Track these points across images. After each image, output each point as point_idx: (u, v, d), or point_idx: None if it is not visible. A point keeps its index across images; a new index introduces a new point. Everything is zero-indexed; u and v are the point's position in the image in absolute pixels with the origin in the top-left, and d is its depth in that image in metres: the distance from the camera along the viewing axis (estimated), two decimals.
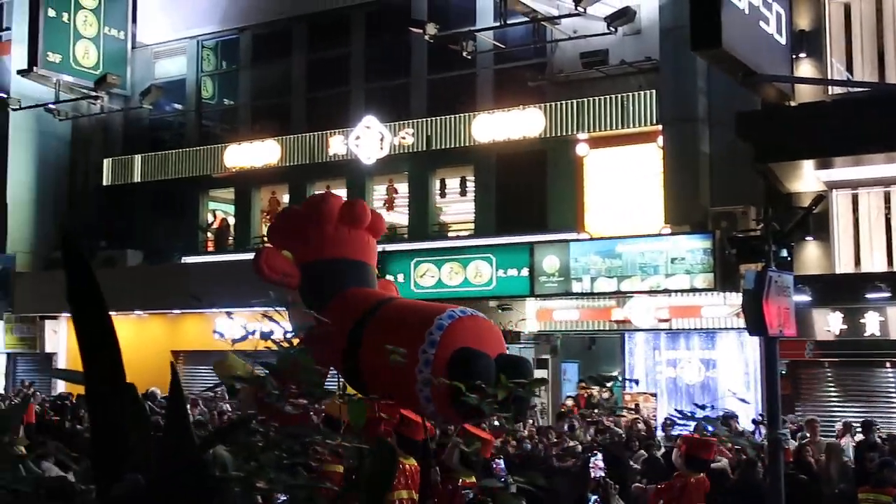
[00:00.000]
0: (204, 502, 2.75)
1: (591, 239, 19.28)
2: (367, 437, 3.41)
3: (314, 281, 10.54)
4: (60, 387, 23.81)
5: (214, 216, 26.45)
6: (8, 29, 26.90)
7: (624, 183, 19.71)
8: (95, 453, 2.81)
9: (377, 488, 3.02)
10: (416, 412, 8.95)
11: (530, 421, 16.44)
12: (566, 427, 16.28)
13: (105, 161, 26.85)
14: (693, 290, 17.72)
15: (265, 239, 15.98)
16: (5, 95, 25.83)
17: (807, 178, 17.12)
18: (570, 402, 18.82)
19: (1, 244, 25.79)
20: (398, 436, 9.16)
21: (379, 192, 23.43)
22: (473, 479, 9.03)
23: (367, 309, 9.85)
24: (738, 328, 17.46)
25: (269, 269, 10.47)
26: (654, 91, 19.34)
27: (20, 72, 25.66)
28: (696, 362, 18.74)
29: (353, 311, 10.03)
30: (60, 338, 25.92)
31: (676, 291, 17.98)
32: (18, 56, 25.99)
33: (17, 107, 25.68)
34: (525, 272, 18.95)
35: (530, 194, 21.11)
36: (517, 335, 19.89)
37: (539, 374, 19.46)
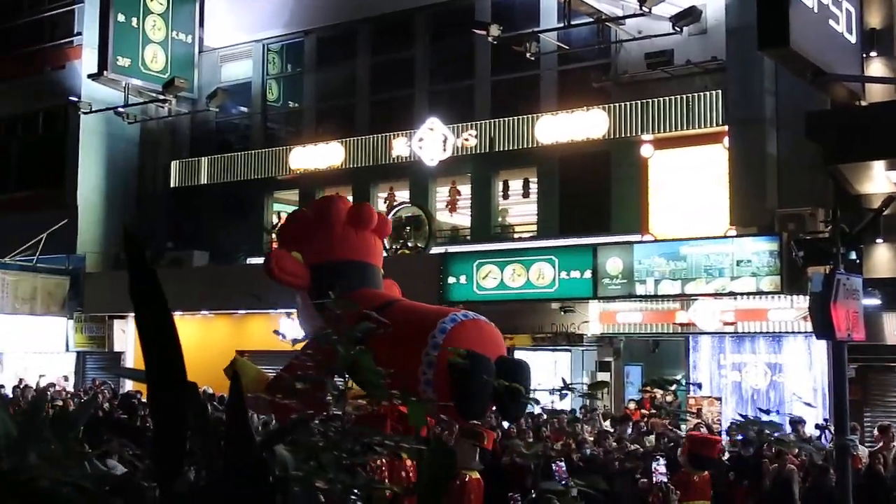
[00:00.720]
0: (264, 501, 2.77)
1: (656, 241, 19.10)
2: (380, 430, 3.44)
3: (323, 282, 10.76)
4: (128, 385, 24.23)
5: (279, 217, 26.69)
6: (79, 34, 27.41)
7: (689, 184, 19.50)
8: (157, 451, 2.84)
9: (436, 490, 3.02)
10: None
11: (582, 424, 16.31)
12: (629, 431, 16.15)
13: (173, 163, 27.26)
14: (759, 292, 17.46)
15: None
16: (76, 99, 26.33)
17: (877, 179, 16.78)
18: (632, 406, 18.66)
19: (72, 245, 26.29)
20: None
21: (442, 193, 23.47)
22: (478, 475, 9.18)
23: (373, 309, 10.04)
24: (806, 332, 17.17)
25: (280, 270, 10.88)
26: (720, 91, 19.11)
27: (91, 76, 26.15)
28: (762, 366, 18.46)
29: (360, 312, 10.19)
30: (129, 337, 26.38)
31: (742, 294, 17.73)
32: (89, 61, 26.48)
33: (88, 110, 26.15)
34: (588, 274, 18.82)
35: (594, 196, 20.99)
36: (579, 337, 19.79)
37: (601, 377, 19.38)
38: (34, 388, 23.35)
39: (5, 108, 28.76)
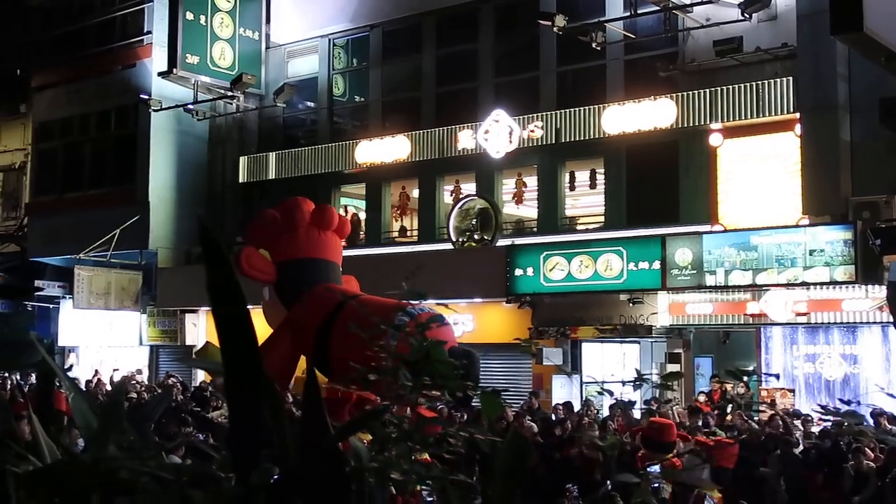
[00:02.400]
0: (339, 492, 2.78)
1: (725, 231, 18.84)
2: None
3: (288, 277, 11.95)
4: (200, 377, 24.56)
5: (346, 211, 26.86)
6: (149, 33, 27.81)
7: (759, 173, 19.20)
8: (234, 443, 2.86)
9: (512, 481, 3.00)
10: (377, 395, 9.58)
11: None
12: (699, 423, 15.95)
13: (241, 159, 27.56)
14: (833, 282, 17.14)
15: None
16: (147, 97, 26.73)
17: None
18: (702, 398, 18.44)
19: (144, 240, 26.73)
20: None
21: (508, 185, 23.41)
22: (426, 456, 9.31)
23: (336, 303, 10.85)
24: (883, 322, 16.82)
25: (248, 266, 11.82)
26: (791, 78, 18.77)
27: (160, 74, 26.53)
28: (837, 357, 18.14)
29: (324, 306, 11.28)
30: (200, 330, 26.75)
31: (815, 284, 17.42)
32: (159, 59, 26.87)
33: (158, 108, 26.55)
34: (657, 265, 18.64)
35: (662, 186, 20.75)
36: (648, 329, 19.61)
37: (671, 368, 19.16)
38: (108, 382, 23.81)
39: (78, 108, 29.33)
